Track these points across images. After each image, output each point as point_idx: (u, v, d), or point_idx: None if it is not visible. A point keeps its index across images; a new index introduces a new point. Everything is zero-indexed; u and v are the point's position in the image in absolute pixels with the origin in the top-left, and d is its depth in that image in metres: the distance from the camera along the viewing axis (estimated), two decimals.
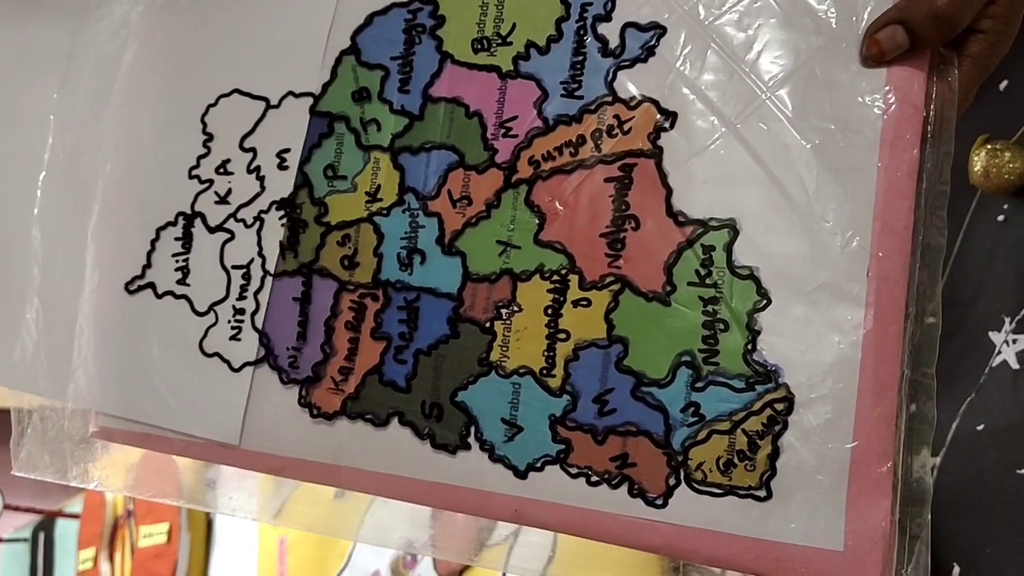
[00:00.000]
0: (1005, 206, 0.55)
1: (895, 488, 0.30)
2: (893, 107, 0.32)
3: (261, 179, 0.39)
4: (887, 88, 0.32)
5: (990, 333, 0.53)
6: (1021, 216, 0.54)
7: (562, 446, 0.34)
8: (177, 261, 0.40)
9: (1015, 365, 0.52)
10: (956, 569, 0.52)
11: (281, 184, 0.39)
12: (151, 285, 0.39)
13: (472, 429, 0.35)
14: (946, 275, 0.56)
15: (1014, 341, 0.52)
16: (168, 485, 0.43)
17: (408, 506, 0.37)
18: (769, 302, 0.32)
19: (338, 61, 0.39)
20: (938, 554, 0.53)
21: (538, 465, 0.34)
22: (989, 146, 0.52)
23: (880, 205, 0.32)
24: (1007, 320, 0.53)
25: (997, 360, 0.53)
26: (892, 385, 0.31)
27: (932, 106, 0.32)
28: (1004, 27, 0.33)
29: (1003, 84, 0.57)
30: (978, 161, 0.52)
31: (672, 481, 0.32)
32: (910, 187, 0.32)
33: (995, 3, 0.33)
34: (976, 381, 0.53)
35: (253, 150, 0.39)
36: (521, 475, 0.34)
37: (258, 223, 0.39)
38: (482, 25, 0.37)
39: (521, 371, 0.34)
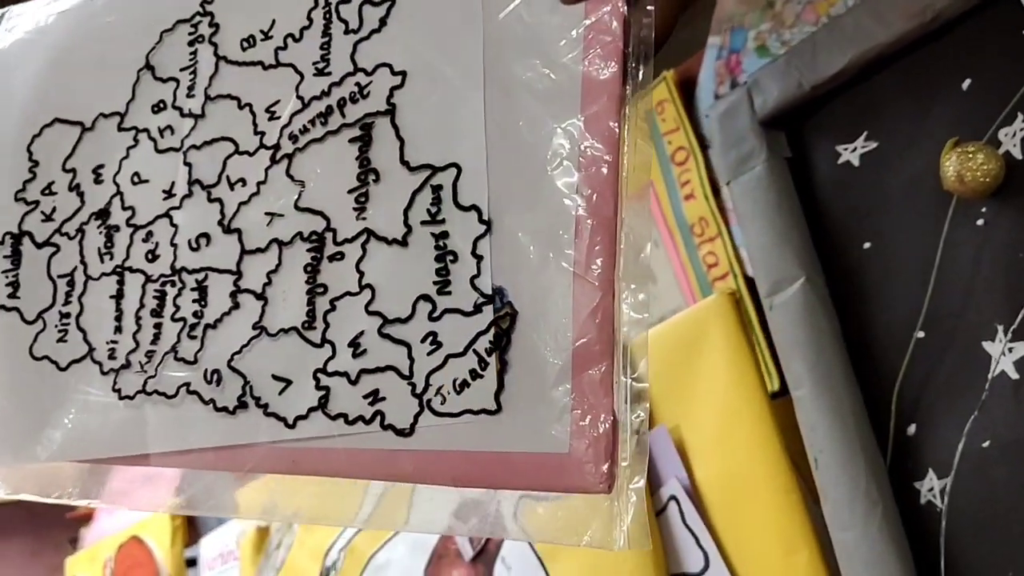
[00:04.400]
0: (984, 210, 0.50)
1: (614, 387, 0.31)
2: (592, 37, 0.34)
3: (81, 195, 0.43)
4: (585, 21, 0.34)
5: (984, 344, 0.49)
6: (1001, 218, 0.50)
7: (323, 392, 0.35)
8: (7, 277, 0.43)
9: (1014, 375, 0.48)
10: None
11: (98, 196, 0.42)
12: None
13: (248, 389, 0.36)
14: (931, 287, 0.52)
15: (1010, 350, 0.48)
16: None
17: None
18: (490, 229, 0.34)
19: (137, 80, 0.42)
20: None
21: (304, 413, 0.35)
22: (960, 149, 0.49)
23: (585, 129, 0.33)
24: (1000, 328, 0.49)
25: (995, 371, 0.48)
26: (607, 288, 0.32)
27: (630, 34, 0.34)
28: None
29: (966, 83, 0.52)
30: (950, 166, 0.49)
31: (416, 409, 0.33)
32: (612, 109, 0.33)
33: None
34: (978, 397, 0.48)
35: (73, 170, 0.43)
36: (290, 426, 0.35)
37: (80, 234, 0.42)
38: (248, 25, 0.40)
39: (287, 329, 0.36)
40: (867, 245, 0.55)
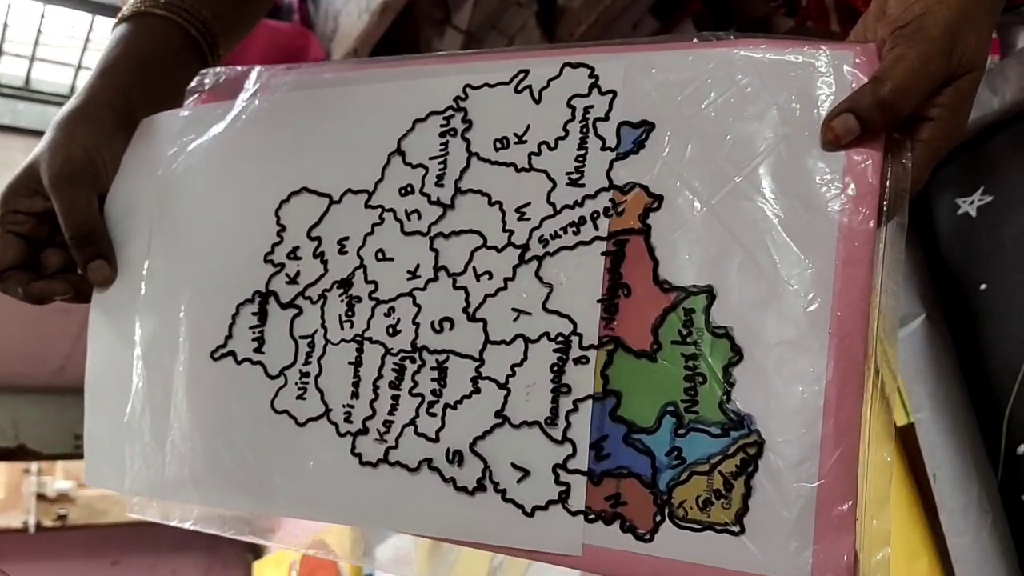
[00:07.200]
0: None
1: (857, 525, 0.33)
2: (850, 185, 0.36)
3: (325, 263, 0.46)
4: (845, 168, 0.37)
5: None
6: None
7: (563, 488, 0.38)
8: (254, 333, 0.47)
9: None
10: None
11: (342, 267, 0.46)
12: (232, 353, 0.47)
13: (487, 473, 0.40)
14: None
15: None
16: None
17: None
18: (742, 357, 0.36)
19: (387, 162, 0.46)
20: None
21: (543, 505, 0.38)
22: None
23: (839, 270, 0.36)
24: None
25: None
26: (853, 431, 0.34)
27: (887, 184, 0.36)
28: (951, 115, 0.37)
29: None
30: None
31: (658, 518, 0.36)
32: (866, 254, 0.35)
33: (941, 94, 0.37)
34: None
35: (319, 239, 0.47)
36: (528, 515, 0.38)
37: (322, 300, 0.46)
38: (502, 126, 0.43)
39: (530, 422, 0.39)
40: (983, 286, 0.63)
